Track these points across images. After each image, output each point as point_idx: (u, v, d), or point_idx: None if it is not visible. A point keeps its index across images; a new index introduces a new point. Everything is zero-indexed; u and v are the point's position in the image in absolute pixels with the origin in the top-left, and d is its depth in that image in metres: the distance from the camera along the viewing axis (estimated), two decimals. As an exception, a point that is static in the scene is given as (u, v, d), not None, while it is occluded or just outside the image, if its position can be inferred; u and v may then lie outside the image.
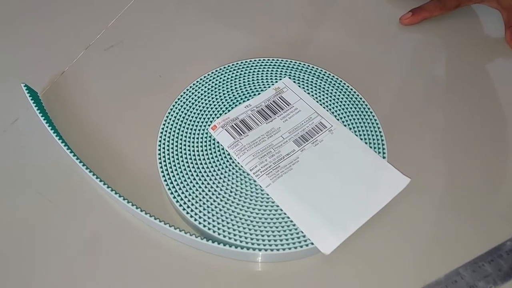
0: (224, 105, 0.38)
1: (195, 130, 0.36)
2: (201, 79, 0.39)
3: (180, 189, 0.33)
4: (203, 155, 0.35)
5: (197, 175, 0.34)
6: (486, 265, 0.31)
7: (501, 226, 0.33)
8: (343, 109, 0.37)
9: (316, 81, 0.39)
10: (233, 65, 0.40)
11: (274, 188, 0.33)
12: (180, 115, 0.37)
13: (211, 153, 0.35)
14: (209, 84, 0.39)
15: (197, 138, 0.36)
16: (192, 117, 0.37)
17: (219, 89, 0.39)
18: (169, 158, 0.34)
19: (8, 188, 0.34)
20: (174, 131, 0.36)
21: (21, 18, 0.46)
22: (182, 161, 0.34)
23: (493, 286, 0.30)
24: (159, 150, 0.35)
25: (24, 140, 0.37)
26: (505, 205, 0.34)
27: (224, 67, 0.40)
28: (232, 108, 0.37)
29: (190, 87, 0.39)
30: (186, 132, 0.36)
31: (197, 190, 0.33)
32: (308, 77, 0.39)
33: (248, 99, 0.38)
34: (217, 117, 0.37)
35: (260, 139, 0.35)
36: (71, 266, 0.31)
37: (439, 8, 0.45)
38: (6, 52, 0.43)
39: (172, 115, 0.37)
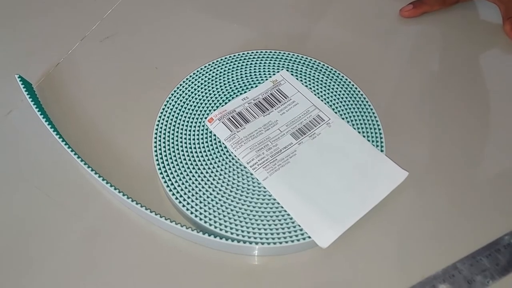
0: (221, 98, 0.37)
1: (191, 122, 0.36)
2: (197, 71, 0.39)
3: (176, 182, 0.33)
4: (199, 148, 0.34)
5: (193, 168, 0.33)
6: (483, 259, 0.31)
7: (499, 220, 0.33)
8: (341, 102, 0.37)
9: (314, 73, 0.39)
10: (230, 57, 0.40)
11: (271, 181, 0.32)
12: (176, 108, 0.37)
13: (207, 146, 0.35)
14: (206, 76, 0.38)
15: (194, 131, 0.35)
16: (189, 109, 0.37)
17: (216, 81, 0.38)
18: (165, 151, 0.34)
19: (2, 181, 0.34)
20: (171, 124, 0.36)
21: (16, 9, 0.45)
22: (178, 154, 0.34)
23: (490, 280, 0.30)
24: (155, 142, 0.34)
25: (18, 132, 0.37)
26: (503, 199, 0.34)
27: (221, 59, 0.40)
28: (229, 100, 0.37)
29: (187, 79, 0.38)
30: (183, 125, 0.36)
31: (193, 183, 0.33)
32: (306, 70, 0.39)
33: (245, 92, 0.37)
34: (214, 110, 0.36)
35: (257, 132, 0.35)
36: (68, 260, 0.31)
37: (439, 3, 0.45)
38: (1, 42, 0.42)
39: (168, 108, 0.36)
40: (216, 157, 0.34)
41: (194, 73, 0.39)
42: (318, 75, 0.39)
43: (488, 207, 0.33)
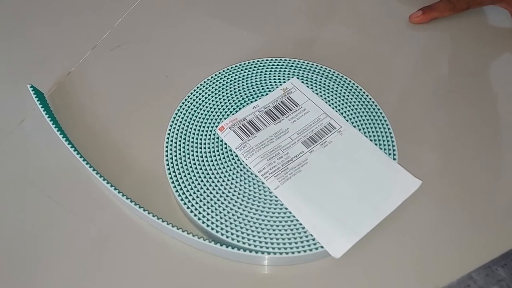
0: (232, 106, 0.37)
1: (202, 131, 0.36)
2: (208, 80, 0.39)
3: (187, 191, 0.33)
4: (210, 156, 0.34)
5: (204, 177, 0.33)
6: (499, 269, 0.30)
7: (515, 229, 0.32)
8: (352, 109, 0.37)
9: (325, 81, 0.39)
10: (240, 65, 0.40)
11: (282, 190, 0.32)
12: (187, 116, 0.37)
13: (218, 155, 0.35)
14: (216, 85, 0.39)
15: (205, 140, 0.35)
16: (200, 118, 0.37)
17: (226, 90, 0.38)
18: (176, 160, 0.34)
19: (14, 189, 0.34)
20: (182, 132, 0.36)
21: (27, 19, 0.45)
22: (190, 162, 0.34)
23: (506, 291, 0.29)
24: (166, 151, 0.34)
25: (30, 141, 0.37)
26: (518, 207, 0.33)
27: (232, 67, 0.40)
28: (239, 109, 0.37)
29: (197, 87, 0.38)
30: (194, 134, 0.36)
31: (204, 192, 0.33)
32: (316, 77, 0.39)
33: (255, 100, 0.37)
34: (225, 118, 0.36)
35: (268, 140, 0.35)
36: (77, 268, 0.31)
37: (449, 9, 0.45)
38: (12, 52, 0.43)
39: (179, 116, 0.36)
40: (227, 166, 0.34)
41: (204, 81, 0.39)
42: (329, 83, 0.39)
43: (504, 216, 0.33)
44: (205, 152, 0.35)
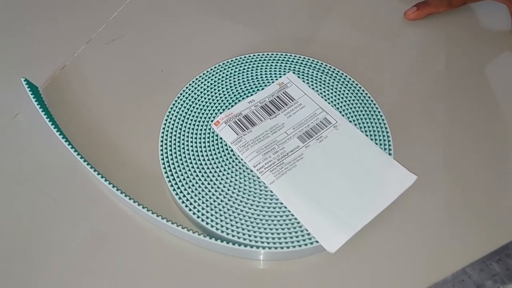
0: (227, 100, 0.37)
1: (197, 125, 0.36)
2: (204, 74, 0.39)
3: (182, 185, 0.32)
4: (205, 151, 0.34)
5: (199, 172, 0.33)
6: (494, 264, 0.30)
7: (509, 224, 0.32)
8: (348, 104, 0.37)
9: (321, 76, 0.39)
10: (236, 59, 0.40)
11: (278, 185, 0.32)
12: (182, 110, 0.36)
13: (214, 149, 0.34)
14: (212, 79, 0.38)
15: (200, 134, 0.35)
16: (195, 112, 0.36)
17: (222, 84, 0.38)
18: (171, 154, 0.34)
19: (8, 184, 0.34)
20: (177, 127, 0.35)
21: (22, 12, 0.45)
22: (185, 157, 0.34)
23: (501, 285, 0.29)
24: (161, 146, 0.34)
25: (24, 136, 0.36)
26: (513, 203, 0.33)
27: (228, 62, 0.39)
28: (235, 103, 0.37)
29: (193, 81, 0.38)
30: (189, 128, 0.35)
31: (199, 186, 0.32)
32: (312, 72, 0.39)
33: (251, 94, 0.37)
34: (220, 113, 0.36)
35: (264, 135, 0.35)
36: (73, 264, 0.31)
37: (445, 4, 0.44)
38: (6, 46, 0.42)
39: (174, 110, 0.36)
40: (223, 161, 0.34)
41: (200, 76, 0.38)
42: (325, 78, 0.38)
43: (498, 211, 0.33)
44: (200, 147, 0.34)
